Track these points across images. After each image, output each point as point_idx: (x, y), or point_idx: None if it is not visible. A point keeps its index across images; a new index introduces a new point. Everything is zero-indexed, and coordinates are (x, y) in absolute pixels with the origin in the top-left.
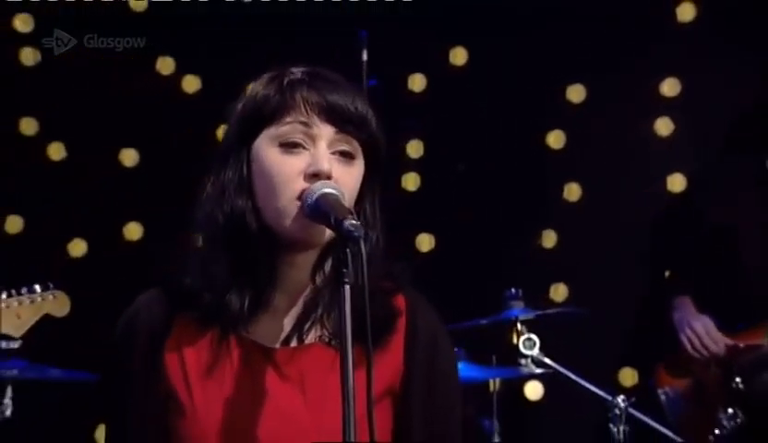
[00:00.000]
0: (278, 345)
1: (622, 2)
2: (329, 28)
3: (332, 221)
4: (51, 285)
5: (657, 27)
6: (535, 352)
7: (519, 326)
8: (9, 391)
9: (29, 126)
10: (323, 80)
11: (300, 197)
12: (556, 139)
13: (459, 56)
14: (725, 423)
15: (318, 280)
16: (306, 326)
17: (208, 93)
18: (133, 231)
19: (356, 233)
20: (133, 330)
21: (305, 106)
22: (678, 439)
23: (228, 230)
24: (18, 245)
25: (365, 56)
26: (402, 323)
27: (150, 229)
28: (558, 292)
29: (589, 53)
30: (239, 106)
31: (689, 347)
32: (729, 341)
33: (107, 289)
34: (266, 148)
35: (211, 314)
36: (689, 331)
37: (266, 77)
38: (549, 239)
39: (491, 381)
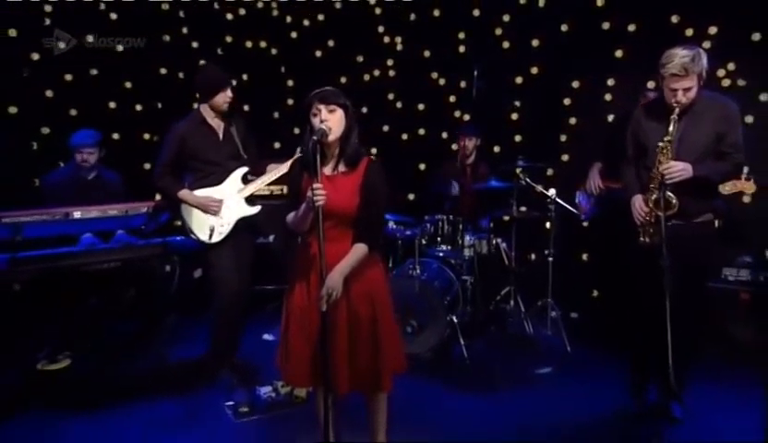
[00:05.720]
0: (329, 172)
1: (590, 49)
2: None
3: (312, 134)
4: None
5: (606, 60)
6: (526, 179)
7: (520, 173)
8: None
9: None
10: (323, 91)
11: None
12: (568, 103)
13: (535, 69)
14: (598, 213)
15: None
16: (336, 165)
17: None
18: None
19: (312, 142)
20: (291, 168)
21: (315, 101)
22: (573, 210)
23: (305, 144)
24: None
25: (476, 72)
26: (365, 165)
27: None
28: (567, 160)
29: (580, 69)
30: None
31: (589, 188)
32: (603, 187)
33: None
34: (310, 116)
35: (305, 165)
36: (589, 182)
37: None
38: (563, 140)
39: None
